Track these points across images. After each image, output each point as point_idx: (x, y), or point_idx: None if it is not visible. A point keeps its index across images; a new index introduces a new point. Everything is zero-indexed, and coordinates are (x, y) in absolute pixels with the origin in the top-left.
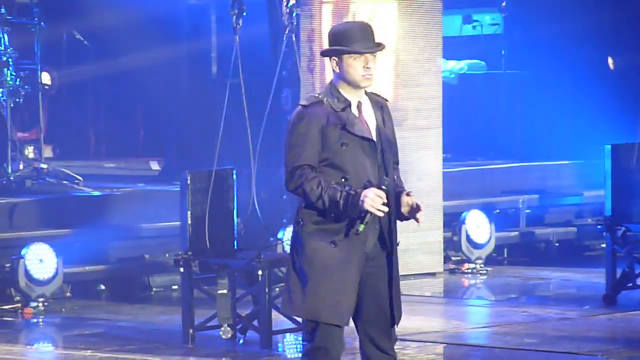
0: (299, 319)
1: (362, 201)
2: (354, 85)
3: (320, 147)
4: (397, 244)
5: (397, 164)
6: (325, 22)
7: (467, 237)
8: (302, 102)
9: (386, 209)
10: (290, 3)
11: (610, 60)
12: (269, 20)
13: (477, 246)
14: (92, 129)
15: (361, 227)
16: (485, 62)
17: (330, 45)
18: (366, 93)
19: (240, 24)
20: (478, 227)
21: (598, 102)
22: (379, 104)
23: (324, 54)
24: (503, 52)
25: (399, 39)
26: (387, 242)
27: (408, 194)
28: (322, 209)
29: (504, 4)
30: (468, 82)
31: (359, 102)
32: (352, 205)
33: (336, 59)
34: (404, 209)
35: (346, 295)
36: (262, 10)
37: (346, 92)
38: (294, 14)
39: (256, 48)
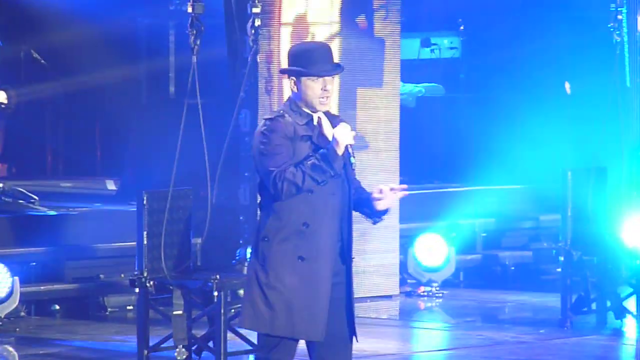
0: (255, 339)
1: (337, 143)
2: (311, 107)
3: (291, 153)
4: (352, 259)
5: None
6: (284, 44)
7: (415, 259)
8: (266, 116)
9: (353, 132)
10: (257, 24)
11: (566, 85)
12: (227, 42)
13: (428, 269)
14: (48, 148)
15: (353, 160)
16: (443, 86)
17: (289, 64)
18: (324, 112)
19: (199, 45)
20: (431, 250)
21: (555, 126)
22: (336, 121)
23: (283, 72)
24: (461, 76)
25: (357, 62)
26: (347, 256)
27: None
28: (314, 184)
29: (462, 27)
30: (426, 105)
31: (319, 118)
32: (332, 156)
33: (294, 78)
34: (380, 203)
35: (320, 309)
36: (220, 31)
37: (305, 109)
38: (259, 35)
39: (214, 69)
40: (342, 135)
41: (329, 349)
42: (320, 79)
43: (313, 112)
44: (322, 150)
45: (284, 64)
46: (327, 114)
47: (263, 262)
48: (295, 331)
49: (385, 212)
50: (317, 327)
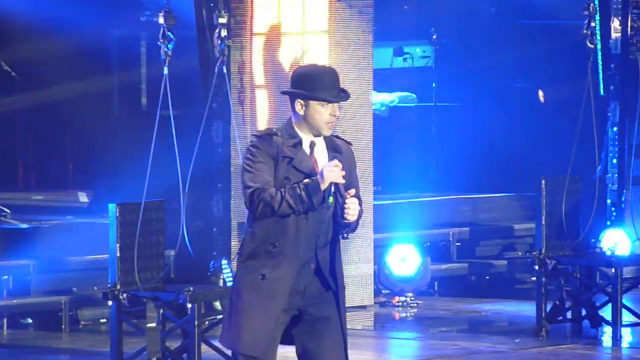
0: (229, 353)
1: (323, 178)
2: (315, 131)
3: (273, 173)
4: (344, 286)
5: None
6: (256, 54)
7: (389, 270)
8: (255, 132)
9: (343, 172)
10: (222, 34)
11: (540, 93)
12: (199, 52)
13: (402, 279)
14: (20, 160)
15: (330, 200)
16: (416, 95)
17: (294, 86)
18: (324, 136)
19: (170, 56)
20: (405, 259)
21: (529, 135)
22: (337, 148)
23: (290, 94)
24: (434, 85)
25: None
26: (330, 282)
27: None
28: (290, 211)
29: (434, 36)
30: (399, 114)
31: (312, 141)
32: (313, 189)
33: (302, 101)
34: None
35: (266, 327)
36: (193, 42)
37: (302, 131)
38: (224, 46)
39: (186, 80)
40: (329, 173)
41: None
42: (330, 105)
43: (316, 135)
44: (306, 180)
45: (256, 75)
46: (331, 137)
47: (234, 277)
48: (239, 345)
49: (348, 226)
50: (259, 343)
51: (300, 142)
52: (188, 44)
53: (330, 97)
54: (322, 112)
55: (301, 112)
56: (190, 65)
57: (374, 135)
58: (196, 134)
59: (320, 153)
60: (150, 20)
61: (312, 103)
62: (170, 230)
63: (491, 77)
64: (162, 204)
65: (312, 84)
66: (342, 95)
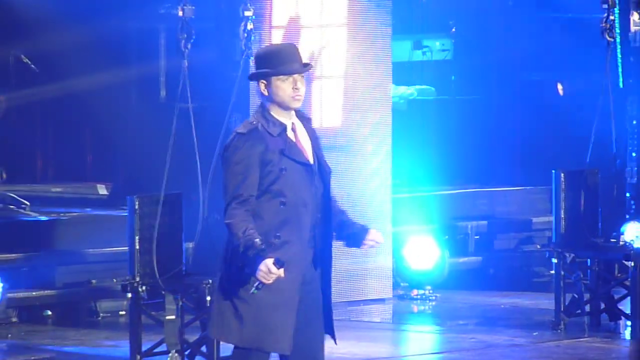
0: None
1: (259, 269)
2: (284, 107)
3: (259, 174)
4: (330, 264)
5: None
6: None
7: (405, 262)
8: (239, 129)
9: (277, 274)
10: (249, 27)
11: (559, 86)
12: (218, 45)
13: (421, 272)
14: (39, 153)
15: (253, 291)
16: (434, 88)
17: (257, 68)
18: (298, 116)
19: (189, 48)
20: (423, 253)
21: (548, 128)
22: (307, 120)
23: (252, 77)
24: (453, 78)
25: (348, 64)
26: (320, 262)
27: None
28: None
29: (453, 29)
30: (418, 108)
31: (293, 123)
32: (250, 263)
33: (264, 82)
34: (366, 242)
35: (288, 321)
36: (211, 34)
37: (278, 114)
38: (251, 39)
39: (204, 73)
40: (260, 273)
41: (300, 356)
42: (290, 78)
43: (286, 110)
44: (261, 247)
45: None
46: (299, 114)
47: (234, 271)
48: (262, 344)
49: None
50: (284, 339)
51: (284, 129)
52: (206, 37)
53: (287, 70)
54: (284, 87)
55: (265, 93)
56: (207, 58)
57: (393, 128)
58: (211, 126)
59: (302, 133)
60: (169, 13)
61: (273, 80)
62: (189, 222)
63: (509, 70)
64: (180, 196)
65: (270, 62)
66: (302, 67)
